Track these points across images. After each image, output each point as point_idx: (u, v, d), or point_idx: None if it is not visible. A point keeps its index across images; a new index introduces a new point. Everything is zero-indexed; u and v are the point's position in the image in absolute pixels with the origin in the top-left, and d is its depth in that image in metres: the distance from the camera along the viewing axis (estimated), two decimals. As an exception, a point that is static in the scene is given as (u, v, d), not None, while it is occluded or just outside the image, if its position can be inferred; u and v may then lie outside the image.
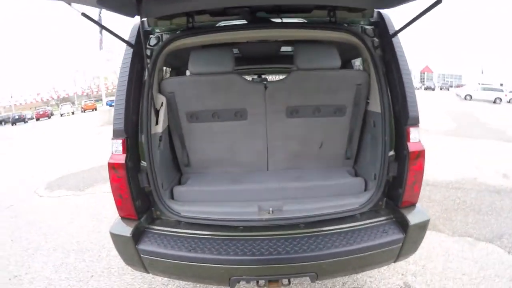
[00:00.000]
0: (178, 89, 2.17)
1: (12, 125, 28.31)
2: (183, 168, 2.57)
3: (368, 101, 2.21)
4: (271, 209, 1.99)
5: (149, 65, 1.96)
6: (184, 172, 2.58)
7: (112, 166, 1.78)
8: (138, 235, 1.80)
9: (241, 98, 2.24)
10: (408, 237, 1.84)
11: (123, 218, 1.87)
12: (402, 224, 1.88)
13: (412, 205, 1.96)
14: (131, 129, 1.84)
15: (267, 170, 2.52)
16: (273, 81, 2.25)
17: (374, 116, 2.12)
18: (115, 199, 1.84)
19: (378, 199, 2.01)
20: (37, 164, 7.92)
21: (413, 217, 1.87)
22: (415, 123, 1.88)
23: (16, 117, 29.68)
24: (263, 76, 5.06)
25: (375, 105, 2.11)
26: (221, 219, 1.94)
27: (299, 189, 2.17)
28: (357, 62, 3.13)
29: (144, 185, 1.89)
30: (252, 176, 2.41)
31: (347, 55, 2.71)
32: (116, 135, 1.79)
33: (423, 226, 1.89)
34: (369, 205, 2.00)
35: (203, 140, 2.40)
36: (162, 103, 2.10)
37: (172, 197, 2.21)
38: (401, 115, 1.91)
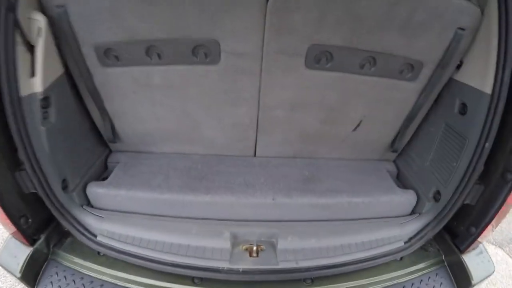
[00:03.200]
0: None
1: None
2: (111, 144, 1.49)
3: (461, 62, 1.20)
4: (254, 247, 1.14)
5: None
6: (114, 148, 1.50)
7: None
8: (34, 272, 1.13)
9: (207, 17, 1.05)
10: None
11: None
12: (459, 279, 1.23)
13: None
14: None
15: (254, 156, 1.51)
16: None
17: (468, 94, 1.16)
18: None
19: (435, 232, 1.26)
20: None
21: (477, 271, 1.22)
22: None
23: None
24: None
25: (477, 76, 1.12)
26: (162, 261, 1.08)
27: (308, 207, 1.27)
28: None
29: (30, 190, 1.07)
30: (225, 168, 1.41)
31: None
32: None
33: (483, 280, 1.26)
34: (419, 241, 1.25)
35: (135, 98, 1.27)
36: (39, 29, 0.99)
37: (88, 201, 1.31)
38: None
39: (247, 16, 1.04)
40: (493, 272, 1.26)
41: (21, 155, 1.00)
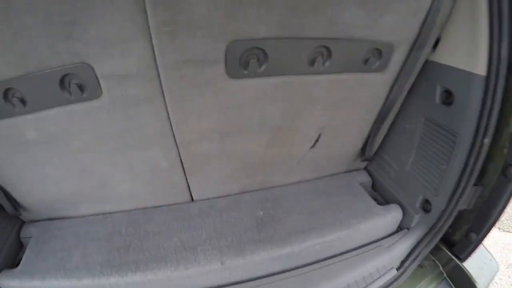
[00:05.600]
0: None
1: None
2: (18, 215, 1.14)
3: (438, 39, 0.89)
4: None
5: None
6: (25, 219, 1.16)
7: None
8: None
9: (61, 31, 0.66)
10: None
11: None
12: None
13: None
14: None
15: (191, 200, 1.16)
16: None
17: (453, 79, 0.87)
18: None
19: (429, 248, 1.04)
20: None
21: (482, 276, 1.05)
22: None
23: None
24: None
25: (462, 54, 0.84)
26: None
27: (268, 262, 0.97)
28: None
29: None
30: (154, 227, 1.06)
31: None
32: None
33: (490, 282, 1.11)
34: (413, 262, 1.03)
35: (16, 161, 0.93)
36: None
37: None
38: None
39: (117, 17, 0.65)
40: (497, 269, 1.10)
41: None
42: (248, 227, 1.02)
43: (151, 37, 0.69)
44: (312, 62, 0.82)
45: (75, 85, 0.75)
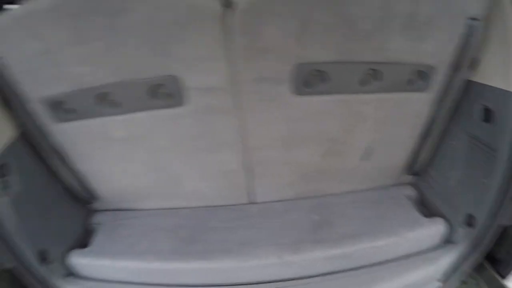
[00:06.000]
0: (9, 43, 0.85)
1: None
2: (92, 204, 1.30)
3: (478, 60, 0.99)
4: None
5: None
6: (94, 208, 1.32)
7: None
8: None
9: (156, 48, 0.87)
10: None
11: None
12: None
13: None
14: None
15: (252, 203, 1.27)
16: None
17: (492, 97, 0.95)
18: None
19: (473, 262, 1.07)
20: None
21: None
22: None
23: None
24: None
25: (499, 74, 0.93)
26: None
27: (322, 260, 1.05)
28: None
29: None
30: (218, 223, 1.18)
31: None
32: None
33: None
34: (457, 276, 1.06)
35: (102, 155, 1.11)
36: None
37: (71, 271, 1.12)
38: None
39: (204, 40, 0.83)
40: None
41: None
42: (304, 229, 1.11)
43: (231, 58, 0.86)
44: (363, 83, 0.95)
45: (163, 93, 0.92)
